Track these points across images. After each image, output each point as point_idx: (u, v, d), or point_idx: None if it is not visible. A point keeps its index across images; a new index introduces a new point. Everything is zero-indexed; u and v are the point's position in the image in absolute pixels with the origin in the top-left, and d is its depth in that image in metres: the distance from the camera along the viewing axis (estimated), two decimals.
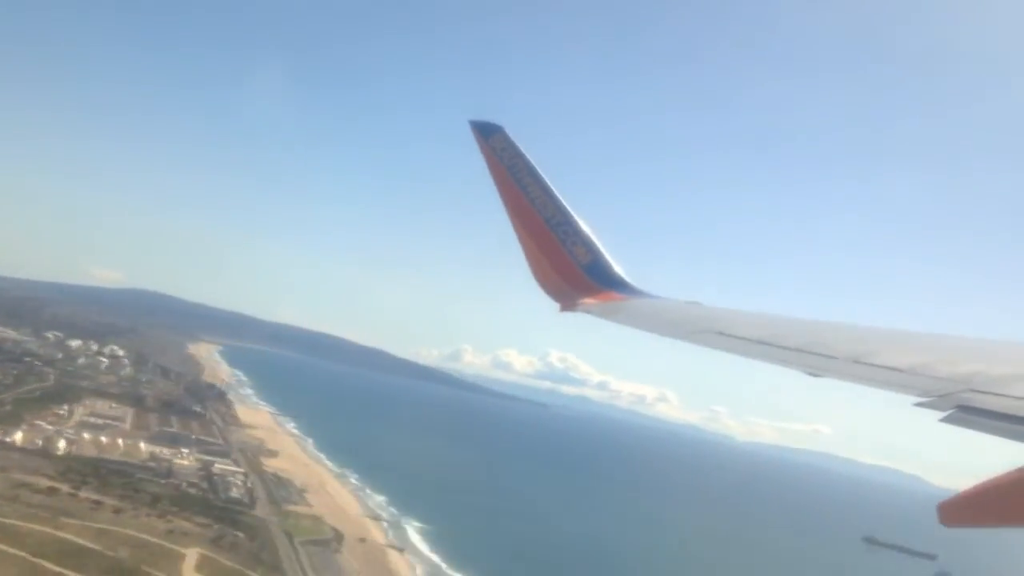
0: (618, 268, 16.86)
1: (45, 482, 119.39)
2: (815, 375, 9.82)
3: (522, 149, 16.68)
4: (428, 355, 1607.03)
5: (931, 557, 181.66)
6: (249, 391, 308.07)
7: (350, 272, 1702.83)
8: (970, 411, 7.40)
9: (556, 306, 16.51)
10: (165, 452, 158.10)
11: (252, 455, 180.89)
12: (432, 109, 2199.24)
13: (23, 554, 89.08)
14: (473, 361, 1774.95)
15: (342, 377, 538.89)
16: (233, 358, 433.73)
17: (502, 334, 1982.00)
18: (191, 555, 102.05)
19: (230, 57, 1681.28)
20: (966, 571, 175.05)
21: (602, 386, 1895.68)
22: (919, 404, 7.91)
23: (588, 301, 16.04)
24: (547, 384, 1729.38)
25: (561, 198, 16.76)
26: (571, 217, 16.80)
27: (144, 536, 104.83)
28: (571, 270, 16.63)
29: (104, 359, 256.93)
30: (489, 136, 16.81)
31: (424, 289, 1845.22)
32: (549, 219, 16.65)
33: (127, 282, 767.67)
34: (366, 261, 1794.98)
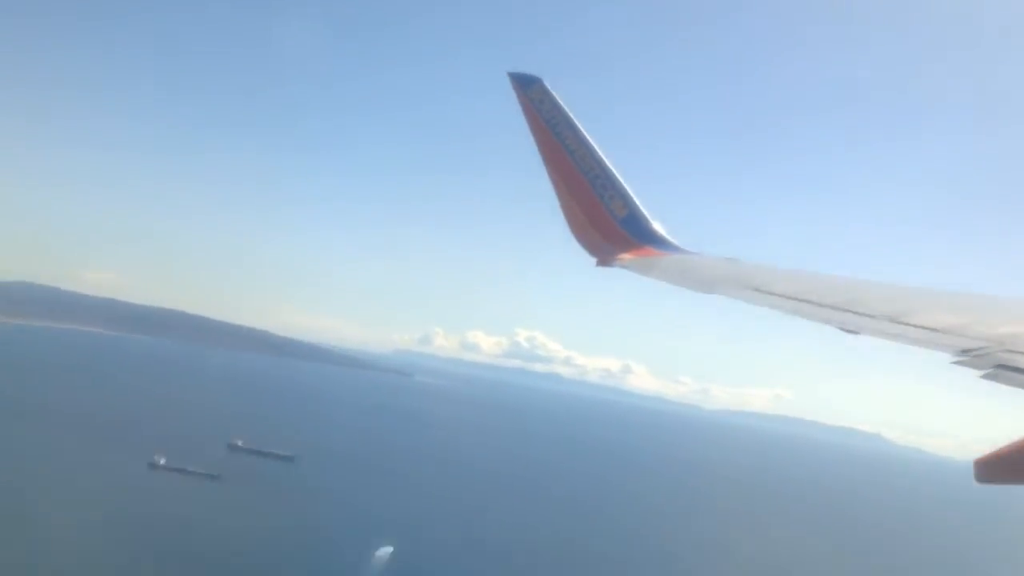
0: (655, 223, 16.78)
1: None
2: (852, 332, 10.04)
3: (560, 101, 16.44)
4: (400, 340, 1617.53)
5: (290, 459, 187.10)
6: None
7: (313, 253, 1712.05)
8: (1009, 369, 7.61)
9: (592, 260, 16.45)
10: None
11: None
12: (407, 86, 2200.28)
13: None
14: (444, 344, 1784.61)
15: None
16: None
17: (469, 315, 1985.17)
18: None
19: None
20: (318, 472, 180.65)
21: (568, 362, 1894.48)
22: (957, 362, 8.08)
23: (624, 256, 16.06)
24: (516, 363, 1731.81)
25: (600, 151, 16.54)
26: (609, 171, 16.61)
27: None
28: (608, 224, 16.56)
29: None
30: (528, 87, 16.62)
31: (388, 270, 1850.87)
32: (587, 172, 16.50)
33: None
34: (325, 242, 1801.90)
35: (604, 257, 16.34)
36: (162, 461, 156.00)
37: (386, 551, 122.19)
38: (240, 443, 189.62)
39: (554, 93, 16.63)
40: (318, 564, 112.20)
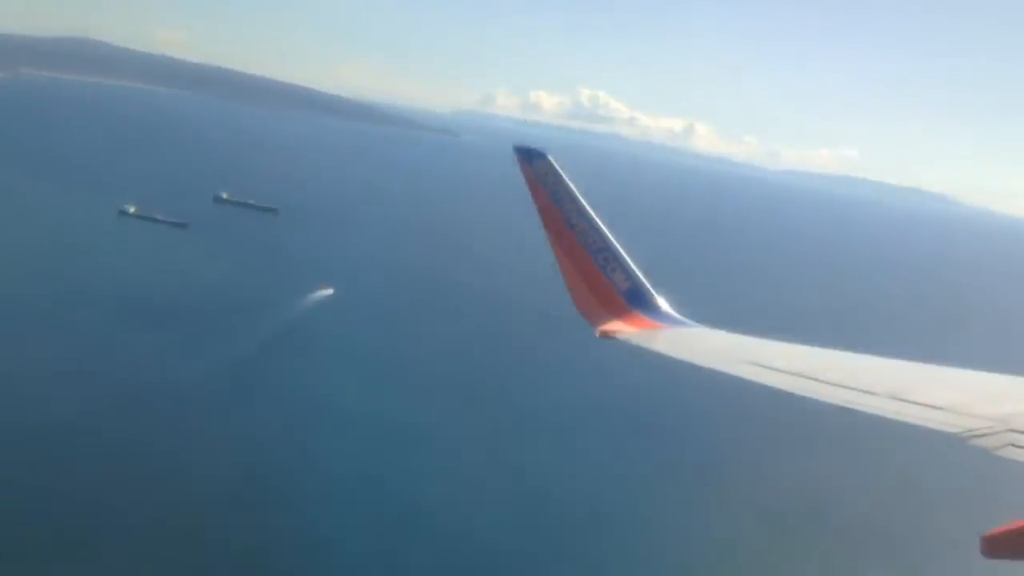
0: (657, 296, 17.13)
1: None
2: (852, 408, 10.32)
3: (564, 175, 16.90)
4: (462, 101, 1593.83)
5: (273, 211, 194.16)
6: None
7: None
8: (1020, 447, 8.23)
9: (594, 331, 16.69)
10: None
11: None
12: None
13: None
14: (506, 104, 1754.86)
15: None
16: None
17: (532, 74, 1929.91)
18: None
19: None
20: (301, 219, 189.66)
21: (631, 122, 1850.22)
22: (969, 440, 8.63)
23: (627, 328, 16.40)
24: (578, 124, 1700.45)
25: (602, 225, 17.01)
26: (612, 245, 17.02)
27: None
28: (611, 296, 16.87)
29: None
30: (532, 161, 17.06)
31: (453, 29, 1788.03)
32: (590, 245, 16.94)
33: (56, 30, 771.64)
34: None
35: (606, 329, 16.36)
36: (131, 209, 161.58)
37: (325, 292, 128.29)
38: (226, 196, 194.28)
39: (558, 167, 16.75)
40: (256, 303, 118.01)
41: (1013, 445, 8.14)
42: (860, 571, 68.01)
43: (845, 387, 10.86)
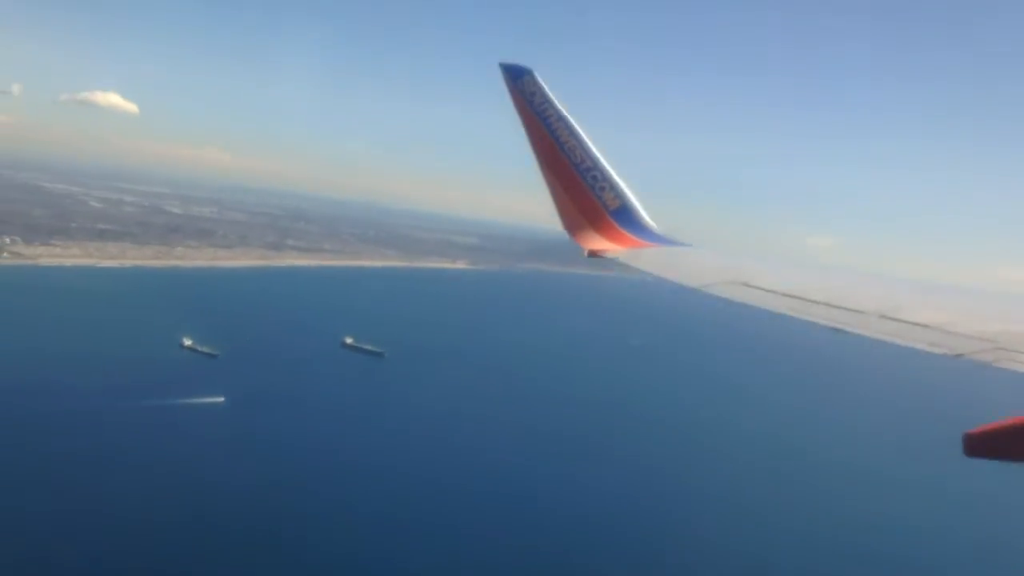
0: (646, 215, 17.28)
1: None
2: (838, 330, 10.50)
3: (551, 93, 16.92)
4: (1006, 276, 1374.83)
5: (380, 355, 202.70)
6: None
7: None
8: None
9: (584, 250, 16.67)
10: None
11: None
12: None
13: None
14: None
15: None
16: None
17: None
18: None
19: None
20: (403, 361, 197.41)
21: None
22: (954, 357, 8.94)
23: (615, 247, 16.49)
24: None
25: (590, 143, 16.99)
26: (600, 163, 17.02)
27: None
28: (599, 215, 16.81)
29: None
30: (518, 79, 16.90)
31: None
32: (578, 164, 16.84)
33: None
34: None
35: (594, 248, 16.37)
36: (188, 342, 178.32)
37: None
38: (349, 341, 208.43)
39: (544, 85, 16.75)
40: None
41: (1002, 359, 8.14)
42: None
43: (834, 306, 10.53)
